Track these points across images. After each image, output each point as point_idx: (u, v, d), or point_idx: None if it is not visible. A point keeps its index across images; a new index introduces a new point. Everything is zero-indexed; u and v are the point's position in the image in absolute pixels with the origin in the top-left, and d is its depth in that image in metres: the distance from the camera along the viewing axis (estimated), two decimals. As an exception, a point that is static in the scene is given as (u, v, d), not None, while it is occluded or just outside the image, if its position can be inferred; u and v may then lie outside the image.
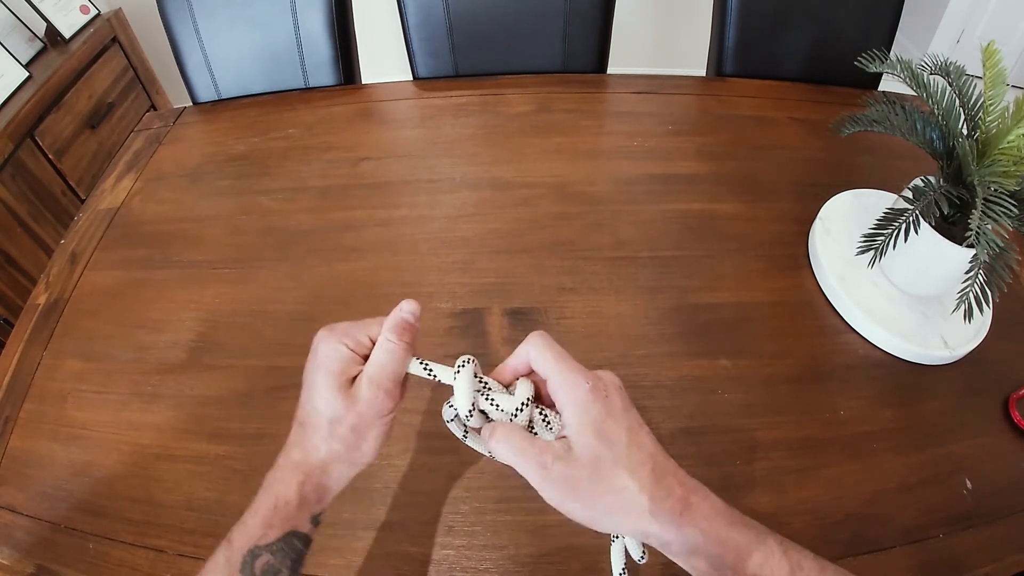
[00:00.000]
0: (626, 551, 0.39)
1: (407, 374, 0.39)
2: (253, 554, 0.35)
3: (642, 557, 0.38)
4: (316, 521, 0.38)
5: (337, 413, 0.37)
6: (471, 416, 0.37)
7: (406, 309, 0.39)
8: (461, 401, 0.37)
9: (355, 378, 0.38)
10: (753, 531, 0.33)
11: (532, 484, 0.35)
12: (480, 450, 0.40)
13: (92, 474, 0.59)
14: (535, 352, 0.37)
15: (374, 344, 0.39)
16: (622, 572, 0.39)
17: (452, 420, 0.40)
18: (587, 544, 0.52)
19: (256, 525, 0.36)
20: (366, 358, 0.38)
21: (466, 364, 0.37)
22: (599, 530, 0.35)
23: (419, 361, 0.39)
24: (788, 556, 0.32)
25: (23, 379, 0.67)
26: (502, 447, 0.36)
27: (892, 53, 0.71)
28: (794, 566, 0.32)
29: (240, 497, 0.56)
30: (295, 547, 0.36)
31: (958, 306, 0.56)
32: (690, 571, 0.34)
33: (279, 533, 0.36)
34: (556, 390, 0.36)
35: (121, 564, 0.53)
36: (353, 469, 0.39)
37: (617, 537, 0.40)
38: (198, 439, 0.61)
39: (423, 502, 0.56)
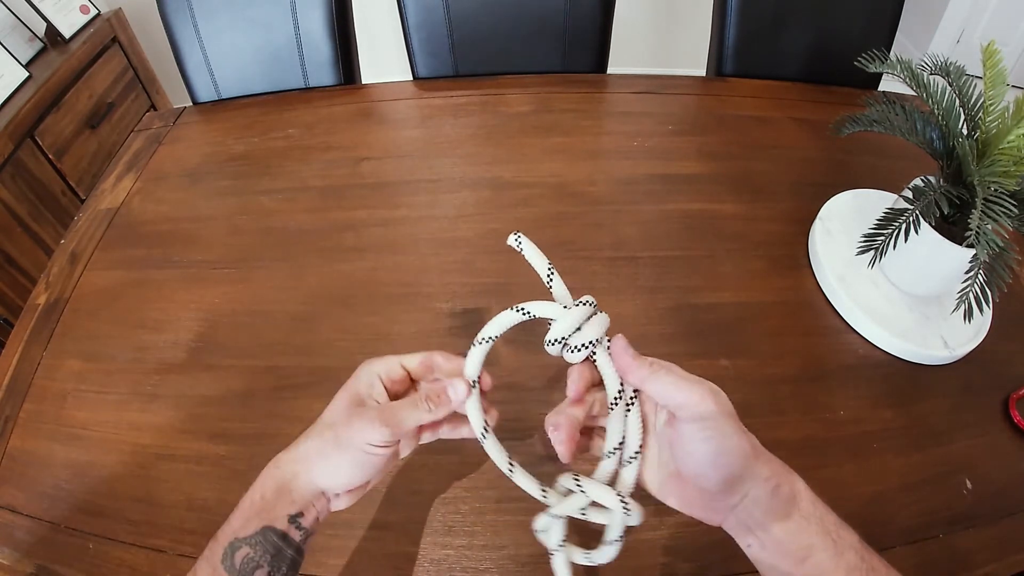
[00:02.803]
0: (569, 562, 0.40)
1: (419, 440, 0.42)
2: (233, 546, 0.36)
3: (561, 545, 0.39)
4: (297, 524, 0.37)
5: (334, 420, 0.38)
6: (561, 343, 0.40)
7: (458, 398, 0.39)
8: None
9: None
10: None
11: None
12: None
13: (92, 474, 0.59)
14: (620, 349, 0.40)
15: (409, 376, 0.41)
16: None
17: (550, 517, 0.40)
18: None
19: (236, 518, 0.37)
20: (395, 395, 0.40)
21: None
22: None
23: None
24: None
25: (23, 379, 0.67)
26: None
27: (892, 53, 0.71)
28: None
29: (240, 497, 0.56)
30: (273, 543, 0.36)
31: (958, 306, 0.56)
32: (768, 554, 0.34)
33: (256, 527, 0.36)
34: (673, 393, 0.37)
35: (121, 564, 0.53)
36: (321, 480, 0.38)
37: (562, 546, 0.39)
38: (198, 439, 0.61)
39: (423, 502, 0.56)
